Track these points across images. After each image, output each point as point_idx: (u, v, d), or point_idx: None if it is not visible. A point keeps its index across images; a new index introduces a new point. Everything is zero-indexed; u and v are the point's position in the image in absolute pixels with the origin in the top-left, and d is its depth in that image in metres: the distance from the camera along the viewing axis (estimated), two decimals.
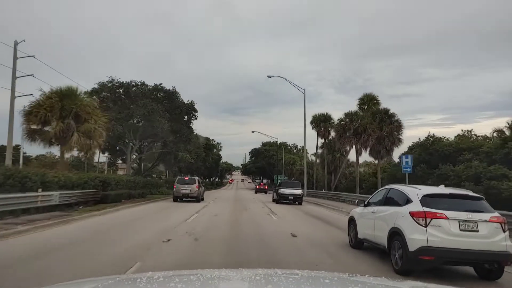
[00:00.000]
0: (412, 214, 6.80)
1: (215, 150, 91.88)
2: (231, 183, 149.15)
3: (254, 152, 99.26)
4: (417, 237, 6.60)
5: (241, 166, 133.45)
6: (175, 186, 24.85)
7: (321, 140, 53.98)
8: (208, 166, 78.21)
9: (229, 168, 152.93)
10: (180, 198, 24.60)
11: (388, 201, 8.20)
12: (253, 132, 61.60)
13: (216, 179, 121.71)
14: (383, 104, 43.73)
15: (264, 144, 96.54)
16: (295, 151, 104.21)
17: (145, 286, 2.12)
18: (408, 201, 7.27)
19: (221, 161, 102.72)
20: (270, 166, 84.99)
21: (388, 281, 2.62)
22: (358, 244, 9.35)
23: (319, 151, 56.32)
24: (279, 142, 74.82)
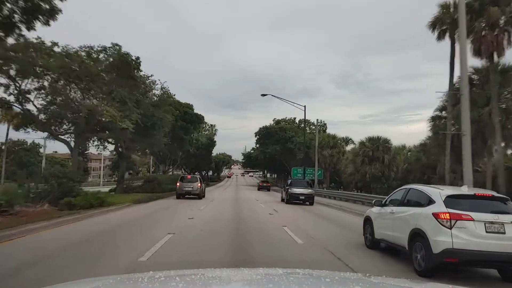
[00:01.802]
0: (436, 216, 6.65)
1: (206, 132, 66.56)
2: (229, 177, 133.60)
3: (263, 133, 65.62)
4: (441, 239, 6.46)
5: (242, 156, 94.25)
6: (178, 184, 26.86)
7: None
8: (195, 153, 55.50)
9: (228, 161, 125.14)
10: (183, 195, 26.42)
11: (408, 201, 8.05)
12: (264, 95, 39.68)
13: (210, 173, 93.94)
14: None
15: (276, 122, 66.93)
16: (323, 129, 67.95)
17: (146, 285, 2.11)
18: (430, 201, 7.12)
19: (215, 147, 70.80)
20: (288, 153, 59.31)
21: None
22: (374, 244, 9.22)
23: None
24: (298, 120, 54.36)
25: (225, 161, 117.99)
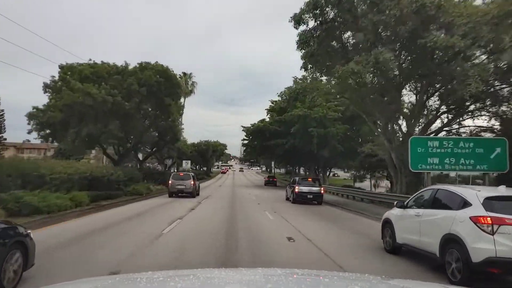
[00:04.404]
0: (475, 220, 5.97)
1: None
2: (224, 173, 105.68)
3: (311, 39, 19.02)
4: (482, 246, 5.78)
5: (244, 133, 52.76)
6: (170, 182, 25.47)
7: None
8: (126, 112, 23.86)
9: (222, 152, 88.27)
10: (175, 194, 25.26)
11: (436, 203, 7.35)
12: None
13: (188, 165, 51.35)
14: None
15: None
16: None
17: (145, 285, 2.11)
18: (465, 204, 6.42)
19: (182, 104, 36.89)
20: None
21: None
22: (395, 249, 8.53)
23: None
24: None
25: (218, 151, 79.97)
